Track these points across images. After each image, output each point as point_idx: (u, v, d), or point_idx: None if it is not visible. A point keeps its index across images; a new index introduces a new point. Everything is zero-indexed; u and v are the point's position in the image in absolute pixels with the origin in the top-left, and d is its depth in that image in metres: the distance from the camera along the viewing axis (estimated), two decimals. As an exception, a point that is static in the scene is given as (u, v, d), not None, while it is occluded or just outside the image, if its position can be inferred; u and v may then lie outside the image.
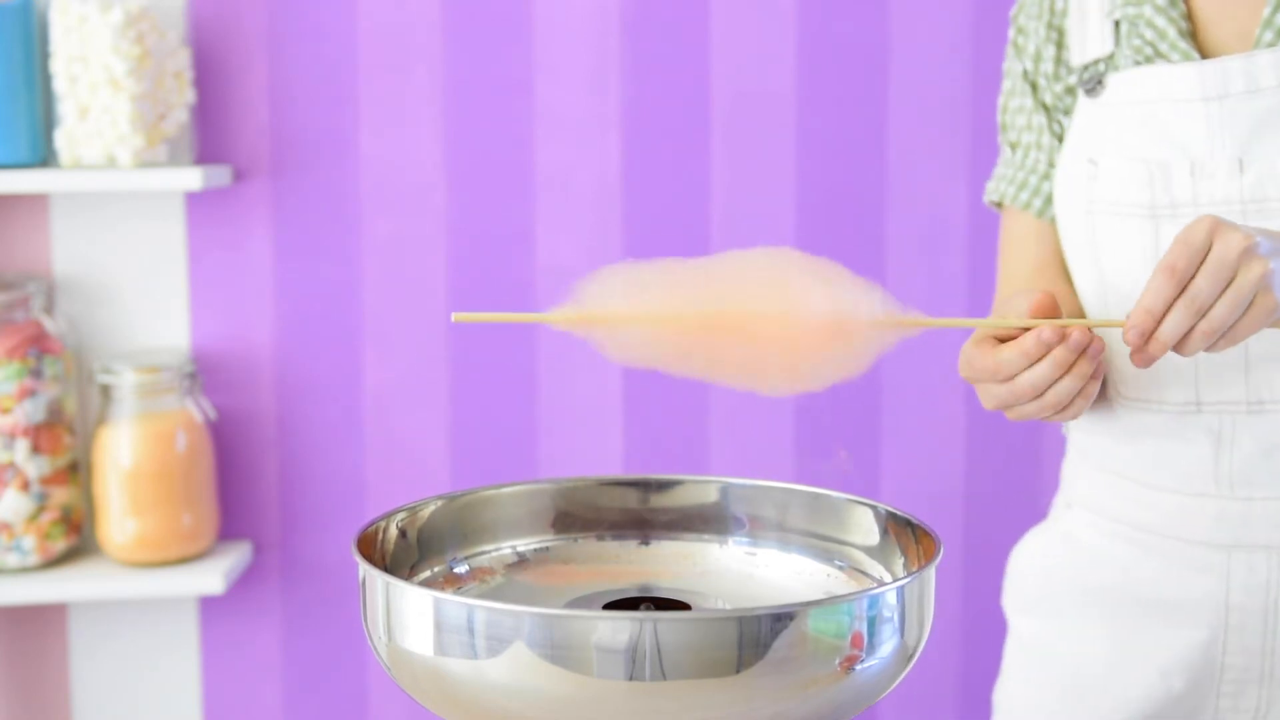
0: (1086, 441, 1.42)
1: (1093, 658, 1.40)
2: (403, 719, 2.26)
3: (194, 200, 2.17)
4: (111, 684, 2.25)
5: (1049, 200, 1.40)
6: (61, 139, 2.04)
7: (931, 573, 0.94)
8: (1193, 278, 1.05)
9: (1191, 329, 1.06)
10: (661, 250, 2.22)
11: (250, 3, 2.15)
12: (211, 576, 2.07)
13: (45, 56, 2.08)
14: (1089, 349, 1.07)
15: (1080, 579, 1.41)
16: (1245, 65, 1.24)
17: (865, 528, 1.08)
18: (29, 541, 2.06)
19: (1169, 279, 1.05)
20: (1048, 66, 1.39)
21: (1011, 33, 1.44)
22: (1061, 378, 1.08)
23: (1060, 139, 1.40)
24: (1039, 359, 1.08)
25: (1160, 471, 1.33)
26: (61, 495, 2.09)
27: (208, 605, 2.24)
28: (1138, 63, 1.30)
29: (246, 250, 2.18)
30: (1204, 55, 1.29)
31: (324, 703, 2.26)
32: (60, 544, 2.09)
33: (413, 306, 2.20)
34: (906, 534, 1.04)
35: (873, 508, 1.08)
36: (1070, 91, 1.38)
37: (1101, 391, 1.35)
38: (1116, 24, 1.33)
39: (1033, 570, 1.47)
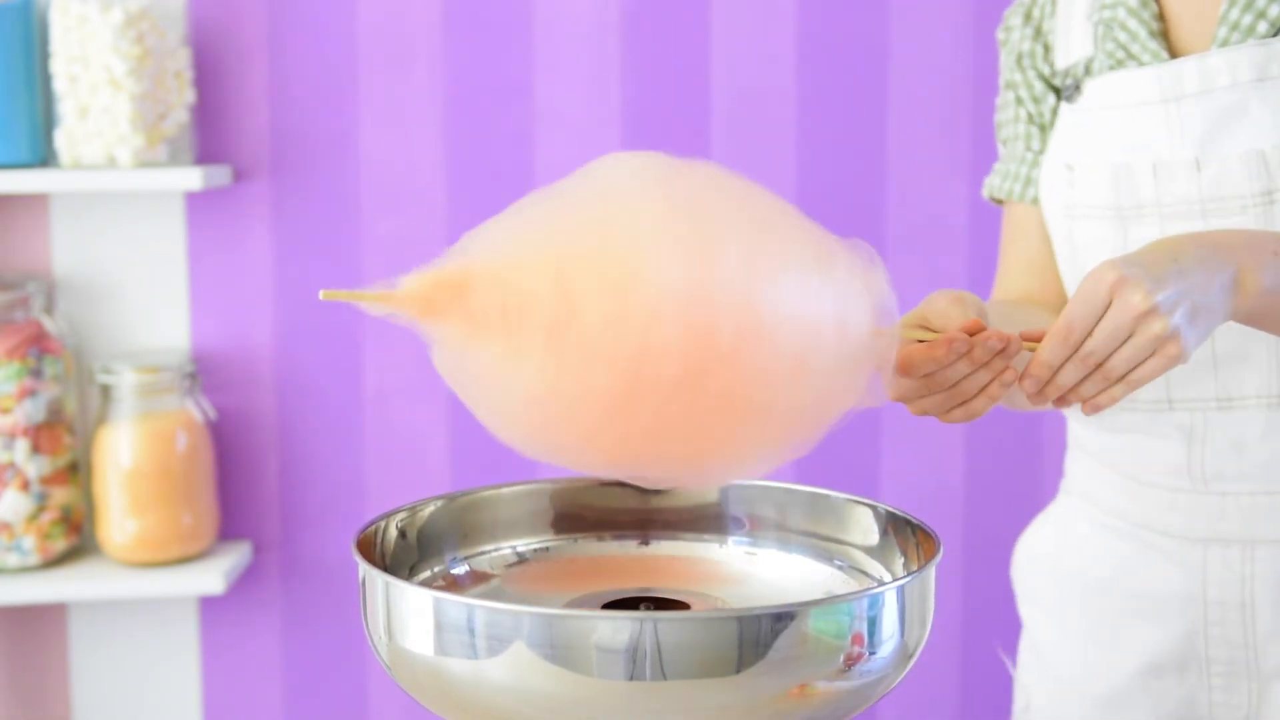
0: (1080, 432, 1.44)
1: (1070, 650, 1.41)
2: (403, 719, 2.26)
3: (194, 200, 2.17)
4: (111, 684, 2.25)
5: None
6: (61, 139, 2.04)
7: (931, 573, 0.94)
8: (1090, 334, 1.04)
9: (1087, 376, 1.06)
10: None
11: (250, 3, 2.15)
12: (211, 576, 2.07)
13: (45, 56, 2.08)
14: (1005, 349, 1.06)
15: (1066, 568, 1.44)
16: (1199, 66, 1.27)
17: (865, 528, 1.08)
18: (29, 541, 2.06)
19: (1064, 339, 1.04)
20: (1032, 62, 1.42)
21: (1001, 34, 1.46)
22: (975, 372, 1.07)
23: (1043, 128, 1.41)
24: (947, 365, 1.07)
25: (1140, 465, 1.35)
26: (61, 495, 2.09)
27: (208, 605, 2.24)
28: (1111, 66, 1.33)
29: (246, 250, 2.18)
30: (1173, 55, 1.32)
31: (324, 703, 2.26)
32: (60, 544, 2.09)
33: (413, 306, 2.20)
34: (906, 534, 1.04)
35: (873, 508, 1.08)
36: (1052, 87, 1.41)
37: None
38: (1096, 27, 1.36)
39: (1029, 558, 1.50)
